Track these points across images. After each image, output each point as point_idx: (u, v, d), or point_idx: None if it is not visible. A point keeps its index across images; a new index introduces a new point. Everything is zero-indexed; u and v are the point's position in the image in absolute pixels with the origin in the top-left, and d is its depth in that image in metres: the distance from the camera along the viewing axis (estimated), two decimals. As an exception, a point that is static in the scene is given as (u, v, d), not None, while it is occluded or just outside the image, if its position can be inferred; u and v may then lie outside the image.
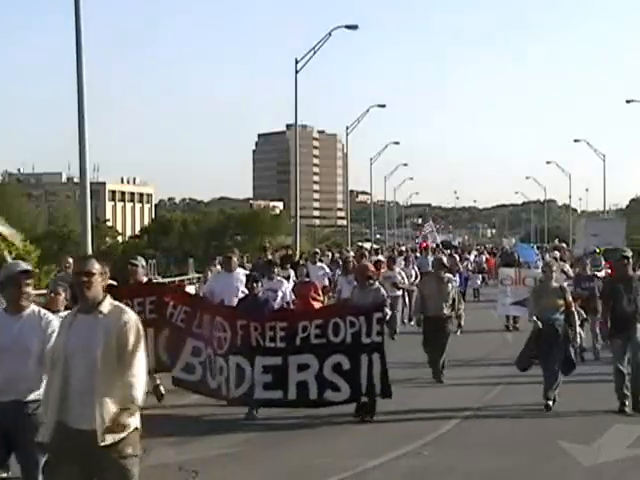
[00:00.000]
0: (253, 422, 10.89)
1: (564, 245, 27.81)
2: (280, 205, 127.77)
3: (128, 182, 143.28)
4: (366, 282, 12.13)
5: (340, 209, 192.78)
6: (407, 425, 10.64)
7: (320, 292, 16.09)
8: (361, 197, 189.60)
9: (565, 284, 17.91)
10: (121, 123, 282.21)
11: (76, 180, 59.11)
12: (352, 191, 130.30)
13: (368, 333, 10.21)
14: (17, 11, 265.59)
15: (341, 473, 8.50)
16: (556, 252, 21.17)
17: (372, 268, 13.04)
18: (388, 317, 16.44)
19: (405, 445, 9.50)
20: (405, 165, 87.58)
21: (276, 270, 14.18)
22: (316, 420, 11.02)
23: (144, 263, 11.83)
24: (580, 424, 9.91)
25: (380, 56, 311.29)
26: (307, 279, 16.30)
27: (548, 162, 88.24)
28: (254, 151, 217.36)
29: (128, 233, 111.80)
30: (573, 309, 11.76)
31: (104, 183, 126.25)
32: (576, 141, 71.21)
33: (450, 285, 13.96)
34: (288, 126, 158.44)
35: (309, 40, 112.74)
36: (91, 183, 21.87)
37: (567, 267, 18.81)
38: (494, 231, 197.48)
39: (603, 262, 18.19)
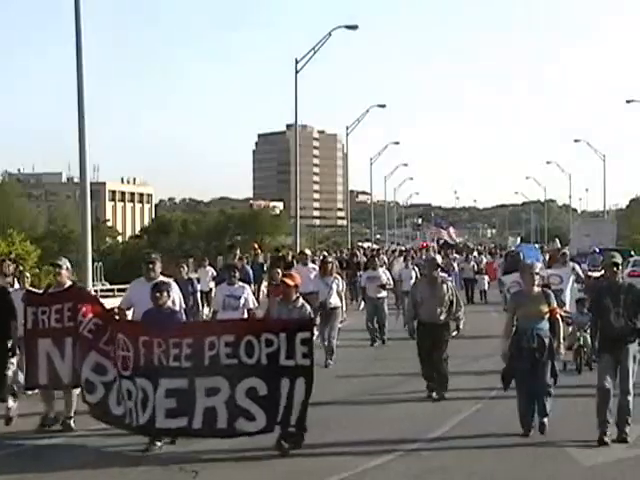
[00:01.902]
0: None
1: (559, 245, 27.28)
2: (280, 205, 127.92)
3: (128, 182, 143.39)
4: (291, 297, 10.94)
5: (340, 209, 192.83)
6: (407, 425, 10.63)
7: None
8: (361, 197, 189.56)
9: (576, 287, 16.73)
10: (121, 123, 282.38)
11: (76, 180, 59.16)
12: (352, 191, 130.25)
13: (289, 355, 8.80)
14: (17, 11, 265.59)
15: (341, 473, 8.49)
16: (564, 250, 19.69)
17: (297, 281, 11.33)
18: (329, 334, 15.82)
19: (405, 445, 9.49)
20: (405, 165, 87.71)
21: (237, 274, 13.21)
22: (316, 420, 11.02)
23: (69, 265, 10.92)
24: (580, 424, 9.90)
25: (380, 56, 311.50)
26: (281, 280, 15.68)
27: (548, 162, 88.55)
28: (254, 151, 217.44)
29: (128, 233, 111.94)
30: (559, 316, 10.29)
31: (104, 183, 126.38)
32: (576, 141, 71.42)
33: (445, 287, 12.59)
34: (288, 126, 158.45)
35: (309, 40, 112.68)
36: (91, 183, 21.88)
37: (577, 267, 17.56)
38: (494, 231, 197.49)
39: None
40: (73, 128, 18.93)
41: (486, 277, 32.06)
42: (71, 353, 9.99)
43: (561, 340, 10.20)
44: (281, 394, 8.77)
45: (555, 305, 10.25)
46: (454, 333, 12.68)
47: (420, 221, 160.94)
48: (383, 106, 58.65)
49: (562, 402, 10.97)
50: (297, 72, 38.16)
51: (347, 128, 57.24)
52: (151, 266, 11.01)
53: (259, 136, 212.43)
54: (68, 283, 10.65)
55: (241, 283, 13.15)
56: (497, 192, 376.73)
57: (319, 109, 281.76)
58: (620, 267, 9.96)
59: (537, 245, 47.87)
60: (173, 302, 10.66)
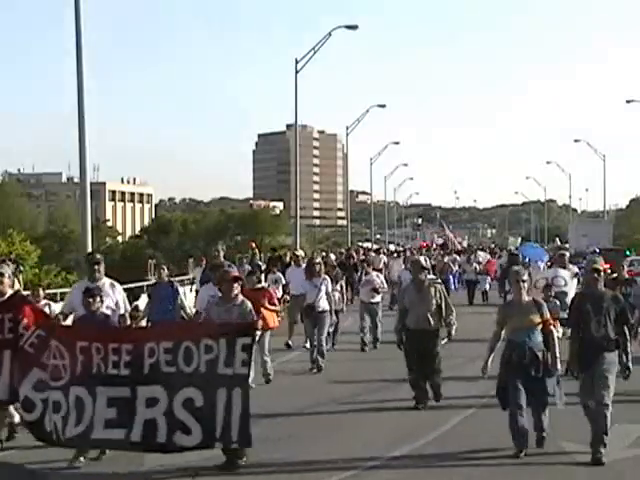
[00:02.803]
0: (252, 422, 10.89)
1: (566, 245, 26.82)
2: (280, 205, 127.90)
3: (128, 182, 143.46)
4: (231, 294, 9.83)
5: (340, 209, 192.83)
6: (407, 425, 10.62)
7: (276, 300, 14.62)
8: (361, 197, 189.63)
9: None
10: (121, 123, 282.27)
11: (76, 180, 59.17)
12: (352, 191, 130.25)
13: (228, 362, 8.07)
14: (17, 11, 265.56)
15: (341, 473, 8.50)
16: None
17: (236, 273, 10.28)
18: (330, 331, 15.38)
19: (405, 445, 9.49)
20: (405, 165, 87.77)
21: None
22: (316, 420, 11.03)
23: (10, 272, 9.88)
24: (580, 424, 9.88)
25: (380, 56, 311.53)
26: (259, 285, 14.24)
27: (548, 162, 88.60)
28: (254, 151, 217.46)
29: (128, 233, 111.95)
30: (552, 328, 9.39)
31: (104, 183, 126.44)
32: (576, 141, 71.41)
33: (434, 290, 11.64)
34: (288, 126, 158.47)
35: (309, 40, 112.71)
36: (91, 183, 21.87)
37: (575, 268, 16.13)
38: (494, 231, 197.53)
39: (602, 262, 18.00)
40: (73, 128, 18.93)
41: (488, 278, 31.87)
42: (9, 367, 8.98)
43: (556, 354, 9.17)
44: (217, 406, 8.03)
45: (548, 315, 9.37)
46: (445, 340, 11.86)
47: (420, 221, 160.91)
48: (383, 106, 58.69)
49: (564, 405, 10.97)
50: (297, 72, 38.16)
51: (347, 128, 57.35)
52: (96, 267, 10.40)
53: (259, 136, 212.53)
54: (9, 292, 9.56)
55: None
56: (497, 192, 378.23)
57: (319, 109, 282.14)
58: (602, 274, 9.26)
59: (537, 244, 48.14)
60: (117, 305, 10.29)
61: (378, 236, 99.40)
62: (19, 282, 12.66)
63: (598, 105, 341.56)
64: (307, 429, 10.55)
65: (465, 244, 60.76)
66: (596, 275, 9.15)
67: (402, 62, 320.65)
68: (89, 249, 19.56)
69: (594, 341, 8.92)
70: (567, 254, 16.93)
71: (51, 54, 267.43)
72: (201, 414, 8.08)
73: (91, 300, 9.51)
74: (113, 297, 10.35)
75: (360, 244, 60.57)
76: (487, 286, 31.46)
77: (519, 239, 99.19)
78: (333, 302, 15.87)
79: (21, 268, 15.18)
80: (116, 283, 10.57)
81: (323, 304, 15.45)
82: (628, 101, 58.60)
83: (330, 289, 15.84)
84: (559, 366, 9.19)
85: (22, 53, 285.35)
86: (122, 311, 10.28)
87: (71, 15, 18.82)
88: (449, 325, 11.70)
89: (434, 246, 62.26)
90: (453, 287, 31.03)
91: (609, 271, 15.37)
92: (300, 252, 22.65)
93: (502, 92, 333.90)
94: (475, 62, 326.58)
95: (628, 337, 9.22)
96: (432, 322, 11.49)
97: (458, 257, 37.48)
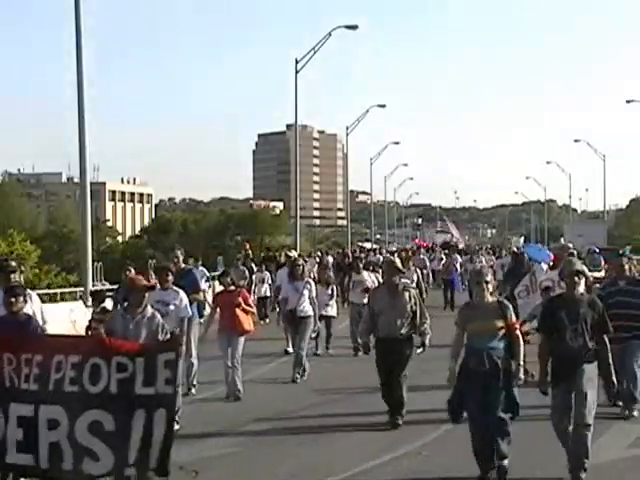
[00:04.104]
0: (253, 422, 10.92)
1: (570, 245, 26.07)
2: (280, 205, 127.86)
3: (128, 182, 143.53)
4: (139, 306, 8.90)
5: (340, 209, 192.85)
6: (407, 425, 10.60)
7: (251, 301, 13.70)
8: (361, 197, 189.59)
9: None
10: (121, 123, 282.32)
11: (76, 180, 59.16)
12: (352, 191, 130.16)
13: (148, 381, 7.03)
14: (17, 11, 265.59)
15: (341, 473, 8.50)
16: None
17: (144, 281, 9.24)
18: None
19: (405, 445, 9.49)
20: (405, 165, 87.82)
21: (170, 277, 11.56)
22: (316, 420, 11.03)
23: None
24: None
25: (380, 56, 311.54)
26: (232, 287, 13.15)
27: (548, 162, 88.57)
28: (254, 151, 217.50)
29: (128, 233, 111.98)
30: (518, 333, 8.41)
31: (104, 183, 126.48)
32: (576, 141, 71.43)
33: (407, 295, 10.56)
34: (288, 126, 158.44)
35: (309, 40, 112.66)
36: (91, 183, 21.91)
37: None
38: (494, 231, 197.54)
39: (602, 262, 17.86)
40: (73, 128, 18.95)
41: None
42: None
43: (520, 362, 8.25)
44: (133, 429, 6.98)
45: (514, 319, 8.48)
46: (419, 350, 10.70)
47: (420, 221, 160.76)
48: (383, 106, 58.75)
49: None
50: (297, 72, 38.19)
51: (347, 128, 57.38)
52: (12, 275, 9.75)
53: (259, 136, 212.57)
54: None
55: (175, 288, 11.51)
56: (497, 192, 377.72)
57: (319, 109, 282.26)
58: (581, 277, 8.32)
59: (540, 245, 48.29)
60: (34, 314, 9.46)
61: (378, 236, 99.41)
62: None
63: (598, 105, 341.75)
64: (283, 439, 10.23)
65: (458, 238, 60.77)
66: (576, 278, 8.24)
67: (402, 62, 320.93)
68: (89, 249, 19.61)
69: (570, 352, 7.98)
70: (575, 254, 16.27)
71: (51, 54, 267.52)
72: (112, 438, 7.03)
73: (13, 300, 8.70)
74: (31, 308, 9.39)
75: (360, 244, 60.50)
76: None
77: (522, 238, 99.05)
78: (317, 307, 14.71)
79: (22, 268, 15.18)
80: (33, 293, 9.84)
81: (306, 309, 14.49)
82: (628, 101, 58.72)
83: (314, 293, 14.76)
84: (522, 375, 8.24)
85: (22, 53, 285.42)
86: (40, 322, 9.32)
87: (71, 15, 18.86)
88: (423, 334, 10.60)
89: (434, 246, 62.06)
90: (459, 288, 30.44)
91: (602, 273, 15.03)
92: (293, 253, 22.00)
93: (502, 91, 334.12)
94: (475, 62, 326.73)
95: (609, 348, 8.19)
96: (404, 330, 10.45)
97: (459, 257, 37.31)
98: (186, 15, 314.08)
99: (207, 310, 14.60)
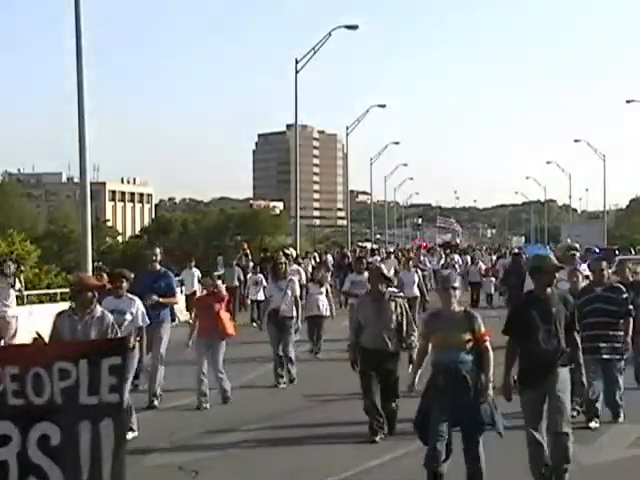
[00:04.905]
0: (253, 423, 10.91)
1: (577, 245, 25.31)
2: (280, 205, 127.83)
3: (128, 182, 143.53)
4: (87, 306, 8.53)
5: (340, 209, 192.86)
6: (407, 425, 10.60)
7: (231, 306, 13.48)
8: (361, 197, 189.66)
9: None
10: (121, 123, 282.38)
11: (76, 180, 59.11)
12: (352, 191, 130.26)
13: (93, 389, 6.37)
14: (18, 11, 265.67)
15: (341, 473, 8.50)
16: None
17: (91, 281, 9.00)
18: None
19: (405, 445, 9.48)
20: (405, 165, 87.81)
21: (124, 284, 10.83)
22: (316, 420, 11.04)
23: None
24: (580, 423, 9.88)
25: (380, 56, 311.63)
26: (213, 289, 12.82)
27: (548, 162, 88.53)
28: (254, 151, 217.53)
29: (128, 233, 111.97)
30: (487, 345, 7.69)
31: (104, 183, 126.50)
32: (576, 141, 71.42)
33: (394, 305, 9.94)
34: (288, 126, 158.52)
35: (309, 40, 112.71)
36: (91, 183, 21.88)
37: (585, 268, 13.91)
38: (494, 231, 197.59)
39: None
40: (73, 128, 18.94)
41: (493, 279, 30.63)
42: None
43: (490, 377, 7.56)
44: (81, 443, 6.33)
45: (482, 329, 7.71)
46: (409, 370, 9.32)
47: (420, 221, 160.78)
48: (383, 106, 58.69)
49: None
50: (297, 72, 38.17)
51: (347, 128, 57.31)
52: None
53: (259, 136, 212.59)
54: None
55: (130, 295, 10.85)
56: (497, 192, 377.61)
57: (319, 109, 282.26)
58: (556, 275, 7.82)
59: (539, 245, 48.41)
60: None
61: (378, 236, 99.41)
62: (20, 282, 12.69)
63: (598, 105, 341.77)
64: (283, 440, 10.14)
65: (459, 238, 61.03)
66: (558, 275, 7.83)
67: (402, 62, 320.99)
68: (89, 249, 19.58)
69: (544, 355, 7.39)
70: (577, 254, 16.02)
71: (51, 54, 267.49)
72: (59, 454, 6.39)
73: None
74: None
75: (360, 244, 60.48)
76: (492, 289, 30.38)
77: (522, 239, 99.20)
78: (300, 306, 14.44)
79: (22, 268, 15.19)
80: None
81: (289, 309, 14.13)
82: (628, 101, 58.77)
83: (298, 292, 14.42)
84: (491, 392, 7.55)
85: (22, 53, 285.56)
86: None
87: (71, 15, 18.85)
88: (410, 347, 9.87)
89: (435, 246, 62.04)
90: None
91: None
92: (291, 251, 21.25)
93: (502, 91, 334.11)
94: (475, 62, 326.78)
95: (580, 347, 7.78)
96: (390, 343, 9.84)
97: (458, 257, 37.31)
98: (186, 15, 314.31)
99: (182, 315, 14.03)
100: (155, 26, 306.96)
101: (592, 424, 10.13)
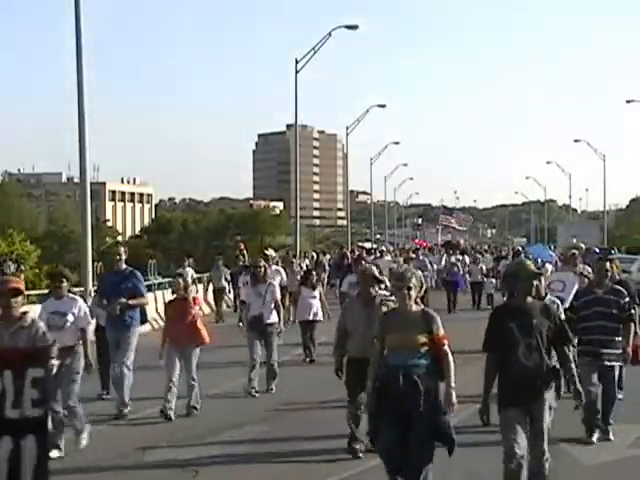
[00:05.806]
0: (252, 423, 10.91)
1: (582, 245, 24.78)
2: (280, 205, 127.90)
3: (128, 182, 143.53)
4: (12, 313, 7.92)
5: (340, 209, 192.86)
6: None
7: (200, 311, 12.67)
8: (361, 197, 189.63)
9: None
10: (121, 123, 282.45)
11: (76, 180, 59.21)
12: (352, 191, 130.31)
13: (15, 403, 5.93)
14: (18, 11, 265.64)
15: (341, 473, 8.51)
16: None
17: (16, 284, 8.21)
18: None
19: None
20: (405, 165, 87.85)
21: (64, 284, 10.08)
22: (316, 420, 11.04)
23: None
24: (580, 424, 9.87)
25: (380, 56, 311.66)
26: (184, 294, 12.15)
27: (548, 162, 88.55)
28: (254, 151, 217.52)
29: (128, 233, 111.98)
30: (446, 349, 7.16)
31: (104, 183, 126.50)
32: (576, 141, 71.39)
33: (385, 309, 8.64)
34: (288, 126, 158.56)
35: (309, 40, 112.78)
36: (91, 183, 21.91)
37: (588, 269, 13.43)
38: (494, 231, 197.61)
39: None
40: (73, 128, 18.96)
41: (494, 280, 30.27)
42: None
43: (451, 384, 7.02)
44: (1, 460, 5.88)
45: (441, 332, 7.18)
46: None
47: (420, 221, 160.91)
48: (383, 106, 58.69)
49: (562, 401, 10.96)
50: (297, 72, 38.20)
51: (347, 128, 57.32)
52: None
53: (259, 136, 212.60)
54: None
55: (72, 295, 10.29)
56: (497, 192, 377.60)
57: (319, 109, 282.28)
58: (538, 282, 7.58)
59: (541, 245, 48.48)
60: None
61: (378, 236, 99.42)
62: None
63: (598, 105, 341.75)
64: (283, 440, 10.12)
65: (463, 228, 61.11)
66: (536, 282, 7.27)
67: (402, 62, 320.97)
68: (89, 249, 19.60)
69: (525, 371, 6.72)
70: (577, 253, 15.47)
71: (51, 54, 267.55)
72: None
73: None
74: None
75: (360, 244, 60.50)
76: (493, 289, 29.85)
77: (524, 240, 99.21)
78: (282, 310, 13.80)
79: (22, 268, 15.19)
80: None
81: (271, 315, 13.42)
82: (628, 101, 58.74)
83: (278, 296, 13.71)
84: (455, 400, 7.05)
85: (22, 53, 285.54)
86: None
87: (71, 15, 18.87)
88: None
89: (435, 246, 62.03)
90: (462, 286, 30.07)
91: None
92: (270, 252, 20.03)
93: (502, 91, 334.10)
94: (475, 62, 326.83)
95: (572, 359, 7.25)
96: None
97: (460, 257, 37.19)
98: (186, 15, 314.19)
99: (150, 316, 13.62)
100: (155, 26, 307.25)
101: (594, 438, 9.64)
